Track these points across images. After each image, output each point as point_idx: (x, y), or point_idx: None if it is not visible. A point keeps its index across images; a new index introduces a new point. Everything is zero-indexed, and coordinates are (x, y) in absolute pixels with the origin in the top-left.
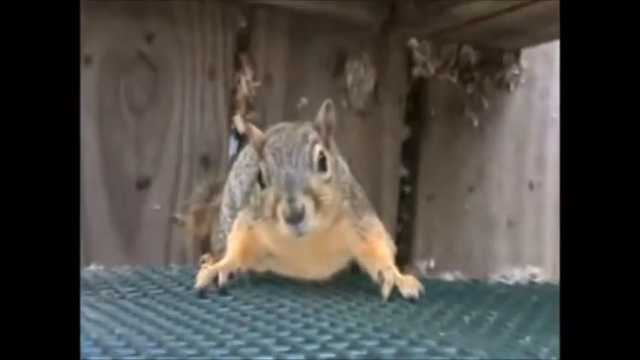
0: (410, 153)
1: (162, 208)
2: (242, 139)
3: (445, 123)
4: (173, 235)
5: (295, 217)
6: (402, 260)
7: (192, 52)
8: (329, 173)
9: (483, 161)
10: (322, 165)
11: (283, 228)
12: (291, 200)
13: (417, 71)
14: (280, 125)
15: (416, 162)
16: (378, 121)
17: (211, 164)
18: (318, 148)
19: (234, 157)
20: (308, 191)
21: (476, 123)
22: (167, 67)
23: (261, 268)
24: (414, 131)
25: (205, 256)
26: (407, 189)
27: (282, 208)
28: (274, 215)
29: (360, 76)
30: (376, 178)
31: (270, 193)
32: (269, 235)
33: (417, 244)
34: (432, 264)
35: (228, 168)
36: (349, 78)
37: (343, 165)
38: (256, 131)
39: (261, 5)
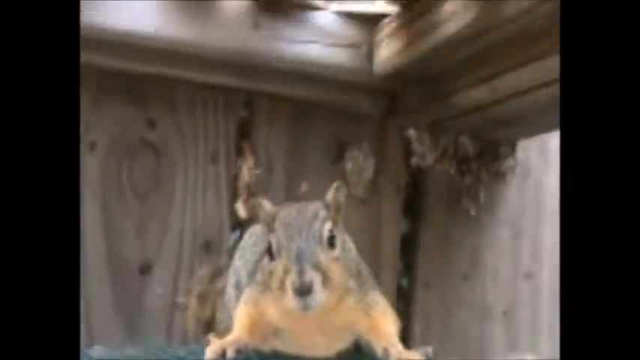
0: (408, 243)
1: (164, 292)
2: (244, 225)
3: (443, 212)
4: (175, 319)
5: (304, 290)
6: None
7: (194, 138)
8: (337, 250)
9: (479, 250)
10: (331, 242)
11: (291, 300)
12: (300, 273)
13: (414, 161)
14: (288, 204)
15: (414, 252)
16: (377, 210)
17: (213, 249)
18: (328, 225)
19: (236, 244)
20: (317, 266)
21: (473, 212)
22: (169, 152)
23: (266, 348)
24: (412, 220)
25: (211, 335)
26: (404, 281)
27: (291, 279)
28: (282, 287)
29: (359, 164)
30: (375, 269)
31: (279, 266)
32: (276, 309)
33: (415, 332)
34: (430, 352)
35: (230, 253)
36: (349, 166)
37: (350, 244)
38: (267, 205)
39: (262, 94)
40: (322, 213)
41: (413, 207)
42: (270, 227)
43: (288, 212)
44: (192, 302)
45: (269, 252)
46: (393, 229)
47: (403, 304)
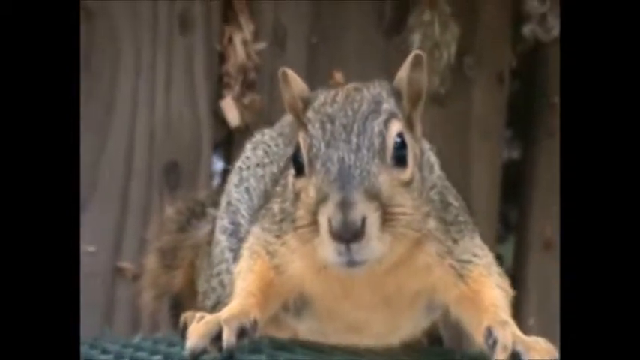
0: (516, 170)
1: (99, 250)
2: (236, 137)
3: None
4: (117, 294)
5: (349, 233)
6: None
7: None
8: (410, 170)
9: None
10: (400, 155)
11: (327, 250)
12: (344, 204)
13: (529, 30)
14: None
15: (526, 190)
16: (463, 117)
17: (184, 176)
18: (397, 126)
19: (224, 166)
20: (373, 194)
21: None
22: (109, 14)
23: (285, 331)
24: (522, 136)
25: (189, 314)
26: (507, 238)
27: (328, 214)
28: (314, 226)
29: (433, 36)
30: None
31: (310, 188)
32: (303, 264)
33: (528, 304)
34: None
35: (214, 180)
36: (415, 39)
37: (431, 157)
38: (297, 81)
39: None
40: (388, 104)
41: (524, 112)
42: (300, 119)
43: (330, 97)
44: (151, 263)
45: (295, 162)
46: (489, 151)
47: (512, 266)
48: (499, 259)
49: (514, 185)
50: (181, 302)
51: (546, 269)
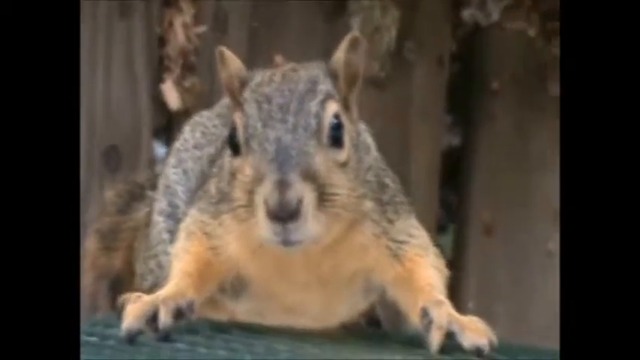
0: (456, 160)
1: None
2: (176, 120)
3: (516, 102)
4: None
5: (286, 213)
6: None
7: None
8: (346, 151)
9: None
10: (336, 136)
11: (264, 229)
12: (281, 183)
13: (468, 15)
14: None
15: (465, 176)
16: (403, 101)
17: (124, 159)
18: (333, 107)
19: (165, 150)
20: (310, 175)
21: None
22: None
23: (222, 312)
24: (462, 120)
25: (127, 296)
26: (447, 224)
27: (265, 193)
28: (250, 205)
29: (373, 20)
30: None
31: (246, 167)
32: (239, 244)
33: (468, 288)
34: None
35: (154, 164)
36: (355, 23)
37: (368, 139)
38: (234, 61)
39: None
40: (324, 85)
41: (464, 96)
42: (236, 99)
43: (267, 78)
44: (90, 245)
45: (231, 141)
46: (429, 135)
47: (450, 252)
48: (439, 247)
49: (454, 170)
50: (121, 284)
51: (486, 254)
